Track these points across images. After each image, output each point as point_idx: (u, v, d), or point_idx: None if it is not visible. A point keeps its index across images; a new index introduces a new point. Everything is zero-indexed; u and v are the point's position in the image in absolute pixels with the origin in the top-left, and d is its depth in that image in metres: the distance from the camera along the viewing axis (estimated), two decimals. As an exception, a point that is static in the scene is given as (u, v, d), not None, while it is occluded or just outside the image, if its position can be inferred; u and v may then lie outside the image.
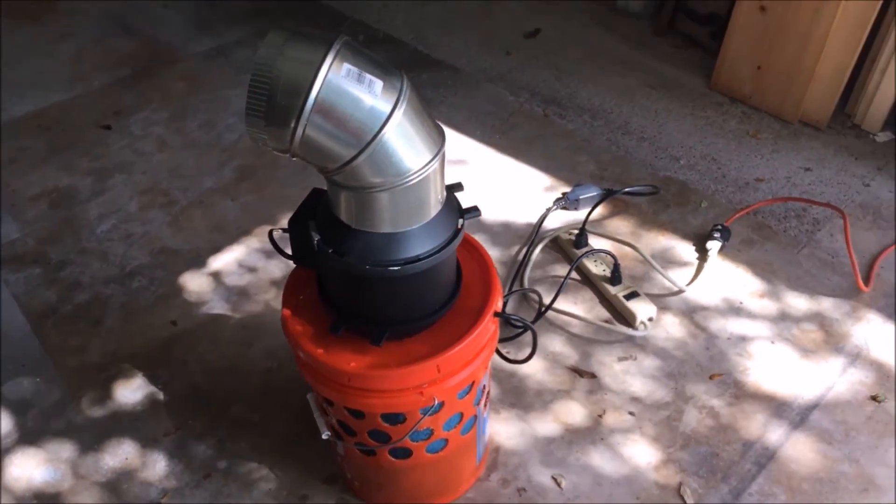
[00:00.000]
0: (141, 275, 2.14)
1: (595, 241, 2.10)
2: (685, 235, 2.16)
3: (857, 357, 1.86)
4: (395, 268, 1.26)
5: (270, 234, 1.48)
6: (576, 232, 2.11)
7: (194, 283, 2.11)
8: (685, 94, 2.64)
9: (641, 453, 1.71)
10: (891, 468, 1.66)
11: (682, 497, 1.63)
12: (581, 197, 2.22)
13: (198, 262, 2.17)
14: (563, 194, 2.25)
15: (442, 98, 2.69)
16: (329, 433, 1.52)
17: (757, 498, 1.63)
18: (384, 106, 1.16)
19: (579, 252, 2.06)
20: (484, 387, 1.55)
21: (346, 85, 1.13)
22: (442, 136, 1.25)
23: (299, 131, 1.14)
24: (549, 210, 2.22)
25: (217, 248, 2.20)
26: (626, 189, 2.25)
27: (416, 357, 1.34)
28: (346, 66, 1.13)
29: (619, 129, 2.51)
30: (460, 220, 1.33)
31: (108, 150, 2.52)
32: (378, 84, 1.16)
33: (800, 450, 1.70)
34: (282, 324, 1.44)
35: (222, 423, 1.81)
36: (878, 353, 1.86)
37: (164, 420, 1.83)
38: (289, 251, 1.42)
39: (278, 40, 1.14)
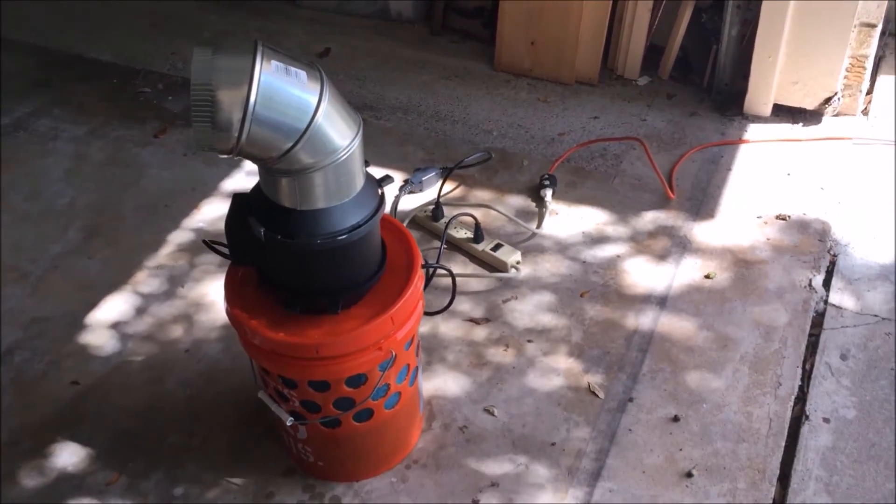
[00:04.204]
0: (20, 349, 2.09)
1: (449, 212, 2.34)
2: (520, 190, 2.47)
3: (684, 249, 2.25)
4: (343, 236, 1.42)
5: (205, 241, 1.58)
6: (431, 207, 2.34)
7: (82, 341, 2.10)
8: (476, 78, 2.97)
9: (549, 369, 1.97)
10: (737, 325, 2.05)
11: (593, 393, 1.92)
12: (423, 179, 2.46)
13: (76, 322, 2.15)
14: (406, 180, 2.47)
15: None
16: (292, 419, 1.63)
17: (649, 376, 1.95)
18: (313, 93, 1.33)
19: (438, 224, 2.30)
20: (419, 341, 1.74)
21: (278, 79, 1.29)
22: (359, 116, 1.43)
23: (245, 128, 1.27)
24: (398, 197, 2.43)
25: (92, 305, 2.19)
26: (464, 160, 2.52)
27: (370, 316, 1.51)
28: (274, 62, 1.29)
29: (432, 118, 2.79)
30: (379, 189, 1.52)
31: (-69, 241, 2.40)
32: (303, 74, 1.33)
33: (667, 330, 2.05)
34: (233, 322, 1.55)
35: (163, 456, 1.84)
36: (698, 243, 2.27)
37: (102, 471, 1.82)
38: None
39: (206, 55, 1.27)
